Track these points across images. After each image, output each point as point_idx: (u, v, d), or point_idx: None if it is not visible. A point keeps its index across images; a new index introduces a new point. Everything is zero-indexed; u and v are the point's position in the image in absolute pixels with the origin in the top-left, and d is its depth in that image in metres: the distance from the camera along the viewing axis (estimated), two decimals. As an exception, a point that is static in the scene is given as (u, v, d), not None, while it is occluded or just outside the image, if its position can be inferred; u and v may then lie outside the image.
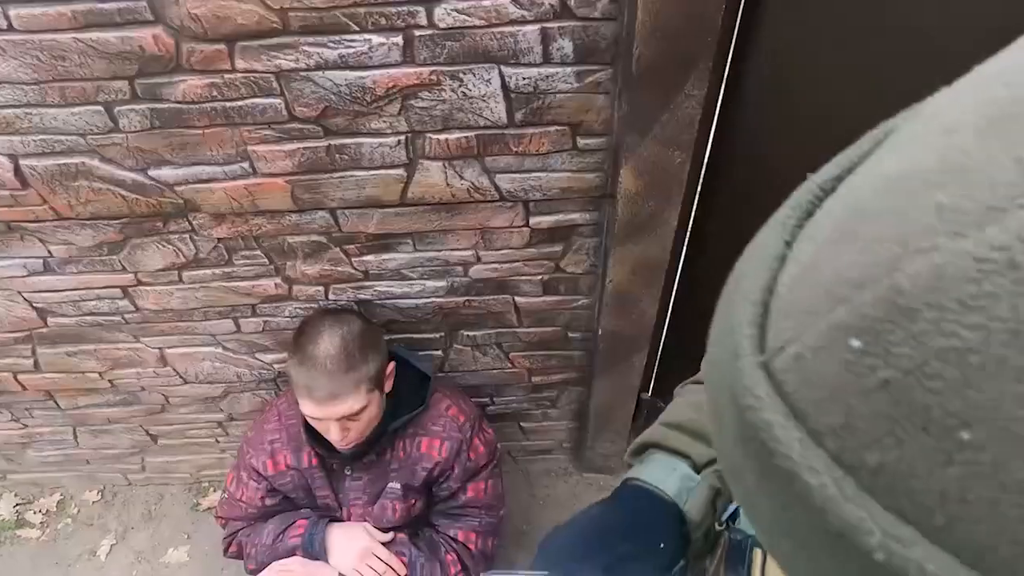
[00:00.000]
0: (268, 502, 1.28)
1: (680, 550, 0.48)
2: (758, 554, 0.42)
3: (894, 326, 0.14)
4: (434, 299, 1.24)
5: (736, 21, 0.90)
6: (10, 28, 0.80)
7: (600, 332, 1.27)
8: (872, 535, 0.15)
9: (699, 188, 1.07)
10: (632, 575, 0.45)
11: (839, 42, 0.92)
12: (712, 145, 1.02)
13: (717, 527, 0.48)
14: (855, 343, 0.15)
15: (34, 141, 0.93)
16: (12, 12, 0.78)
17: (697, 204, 1.12)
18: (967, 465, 0.13)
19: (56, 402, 1.47)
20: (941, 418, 0.14)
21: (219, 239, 1.10)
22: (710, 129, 1.01)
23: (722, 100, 0.98)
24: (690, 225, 1.16)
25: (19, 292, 1.19)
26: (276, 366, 1.38)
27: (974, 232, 0.14)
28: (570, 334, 1.34)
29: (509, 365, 1.41)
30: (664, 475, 0.50)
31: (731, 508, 0.49)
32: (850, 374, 0.15)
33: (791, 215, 0.20)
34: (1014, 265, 0.13)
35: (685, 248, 1.21)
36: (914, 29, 0.88)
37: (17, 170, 0.97)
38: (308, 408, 1.08)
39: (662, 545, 0.46)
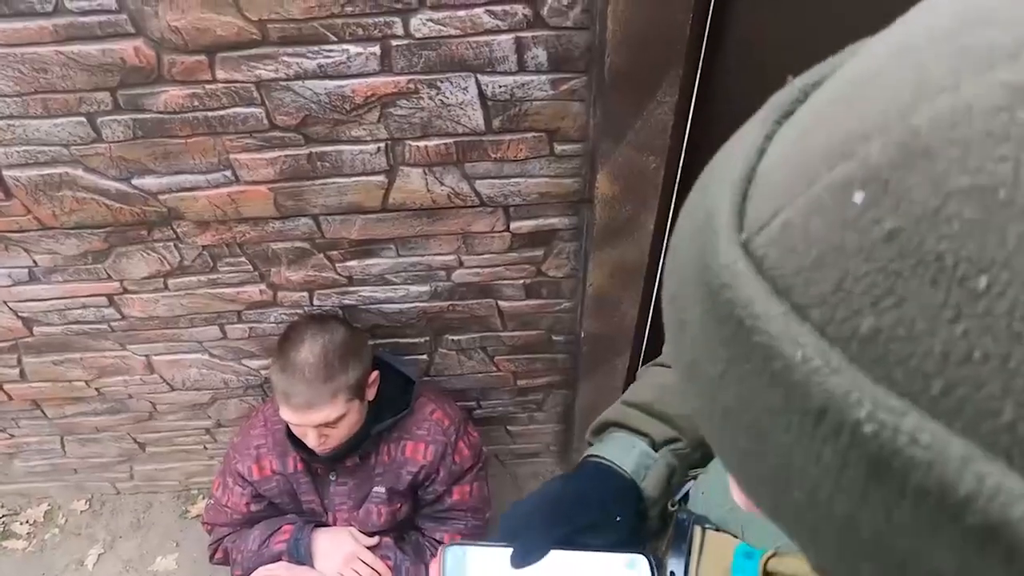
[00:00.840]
0: (254, 508, 1.29)
1: (637, 527, 0.49)
2: (698, 531, 0.43)
3: (907, 171, 0.13)
4: (418, 304, 1.25)
5: (705, 29, 0.92)
6: (-8, 41, 0.81)
7: (583, 335, 1.29)
8: (860, 407, 0.14)
9: (675, 192, 1.09)
10: (587, 547, 0.45)
11: (808, 47, 0.95)
12: (686, 150, 1.05)
13: (670, 508, 0.50)
14: (858, 196, 0.14)
15: (17, 152, 0.94)
16: (-6, 25, 0.80)
17: (674, 208, 1.15)
18: (978, 318, 0.12)
19: (43, 411, 1.48)
20: (954, 266, 0.13)
21: (203, 246, 1.11)
22: (684, 134, 1.03)
23: (695, 106, 1.01)
24: (668, 229, 1.18)
25: (4, 302, 1.20)
26: (263, 372, 1.39)
27: (1007, 63, 0.13)
28: (554, 337, 1.36)
29: (494, 369, 1.43)
30: (623, 453, 0.52)
31: (683, 490, 0.51)
32: (849, 231, 0.14)
33: (770, 114, 0.19)
34: None
35: (664, 251, 1.23)
36: (882, 27, 0.91)
37: (1, 181, 0.98)
38: (286, 414, 1.09)
39: (618, 519, 0.48)
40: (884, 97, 0.15)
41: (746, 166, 0.18)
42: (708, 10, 0.91)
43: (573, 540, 0.45)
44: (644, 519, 0.50)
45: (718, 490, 0.45)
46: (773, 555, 0.38)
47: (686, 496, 0.51)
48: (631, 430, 0.53)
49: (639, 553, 0.45)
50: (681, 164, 1.07)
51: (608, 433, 0.55)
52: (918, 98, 0.14)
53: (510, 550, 0.44)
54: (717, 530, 0.44)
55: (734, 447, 0.18)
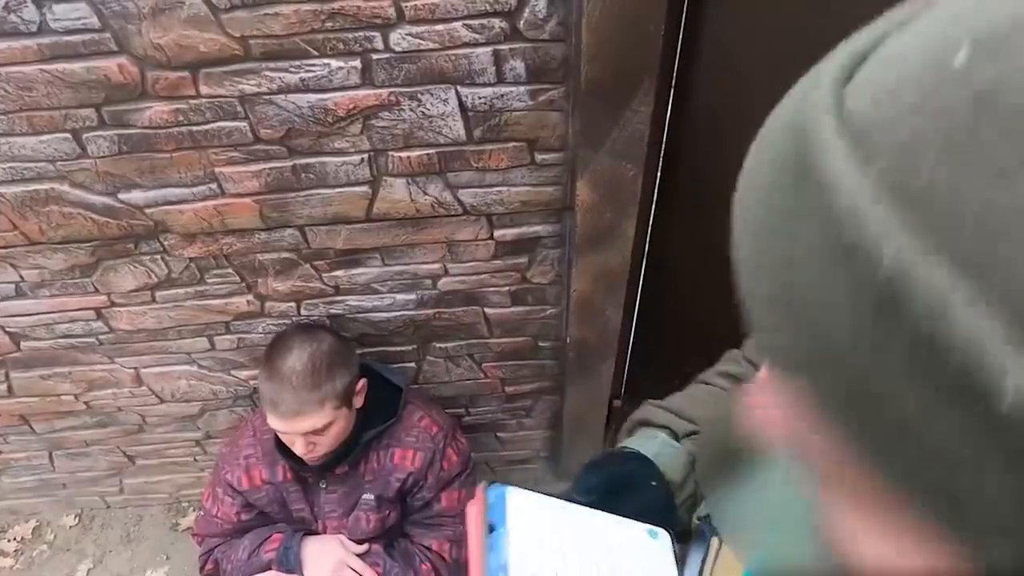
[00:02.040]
0: (244, 517, 1.29)
1: (668, 505, 0.50)
2: (715, 541, 0.44)
3: (1014, 40, 0.14)
4: (405, 312, 1.27)
5: (679, 38, 0.95)
6: (-23, 61, 0.82)
7: (568, 341, 1.30)
8: (889, 242, 0.15)
9: (654, 199, 1.11)
10: (617, 511, 0.47)
11: (780, 52, 0.98)
12: (664, 158, 1.07)
13: (696, 520, 0.51)
14: (961, 55, 0.15)
15: (3, 169, 0.95)
16: (-21, 45, 0.81)
17: (654, 215, 1.17)
18: None
19: (31, 426, 1.48)
20: None
21: (191, 259, 1.12)
22: (661, 142, 1.05)
23: (670, 115, 1.03)
24: (648, 235, 1.20)
25: (-8, 317, 1.20)
26: (251, 383, 1.40)
27: None
28: (540, 344, 1.37)
29: (482, 375, 1.44)
30: (644, 441, 0.54)
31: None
32: (941, 87, 0.15)
33: (834, 71, 0.19)
34: None
35: (646, 258, 1.25)
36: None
37: (-12, 196, 0.99)
38: (273, 422, 1.10)
39: (653, 483, 0.49)
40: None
41: (851, 58, 0.19)
42: (681, 20, 0.93)
43: (608, 495, 0.47)
44: (672, 504, 0.51)
45: None
46: None
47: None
48: (655, 426, 0.56)
49: (661, 527, 0.47)
50: (659, 171, 1.09)
51: (636, 430, 0.57)
52: None
53: (546, 497, 0.45)
54: None
55: (760, 293, 0.19)
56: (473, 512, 0.44)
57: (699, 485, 0.52)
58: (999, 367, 0.13)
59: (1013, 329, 0.13)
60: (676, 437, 0.54)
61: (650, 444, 0.53)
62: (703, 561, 0.44)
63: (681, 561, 0.46)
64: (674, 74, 0.98)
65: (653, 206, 1.12)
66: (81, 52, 0.82)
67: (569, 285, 1.20)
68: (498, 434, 1.63)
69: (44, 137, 0.91)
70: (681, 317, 1.33)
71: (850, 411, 0.17)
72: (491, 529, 0.42)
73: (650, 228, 1.19)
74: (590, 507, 0.46)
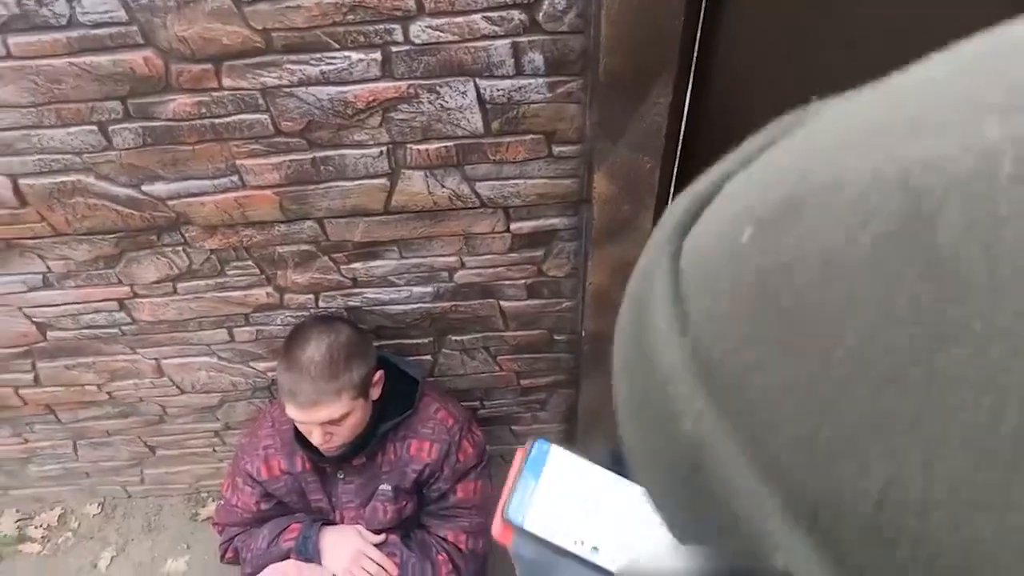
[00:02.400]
0: (263, 507, 1.31)
1: None
2: None
3: (789, 220, 0.14)
4: (421, 304, 1.28)
5: (698, 31, 0.95)
6: (8, 55, 0.84)
7: (584, 334, 1.30)
8: (690, 411, 0.15)
9: (671, 192, 1.11)
10: None
11: (797, 49, 0.97)
12: (682, 150, 1.07)
13: None
14: (747, 232, 0.15)
15: (32, 161, 0.97)
16: (11, 41, 0.83)
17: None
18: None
19: (56, 416, 1.50)
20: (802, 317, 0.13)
21: (211, 250, 1.14)
22: (679, 135, 1.05)
23: (689, 107, 1.03)
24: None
25: (19, 308, 1.23)
26: (270, 374, 1.42)
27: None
28: (555, 337, 1.38)
29: (497, 369, 1.45)
30: None
31: None
32: (731, 261, 0.15)
33: (678, 215, 0.19)
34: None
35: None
36: (869, 33, 0.93)
37: (16, 189, 1.01)
38: (292, 412, 1.11)
39: None
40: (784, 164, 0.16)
41: (693, 202, 0.19)
42: (700, 13, 0.93)
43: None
44: None
45: None
46: None
47: None
48: None
49: None
50: (677, 164, 1.09)
51: None
52: (806, 168, 0.15)
53: (588, 463, 0.46)
54: None
55: (623, 430, 0.20)
56: (519, 456, 0.45)
57: None
58: (772, 543, 0.14)
59: (787, 508, 0.14)
60: None
61: None
62: None
63: None
64: (692, 66, 0.98)
65: (670, 199, 1.12)
66: (108, 45, 0.84)
67: (585, 278, 1.20)
68: (512, 427, 1.64)
69: (72, 129, 0.93)
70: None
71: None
72: (525, 476, 0.44)
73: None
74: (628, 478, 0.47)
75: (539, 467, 0.45)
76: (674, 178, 1.11)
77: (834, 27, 0.93)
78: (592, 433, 1.58)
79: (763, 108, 1.16)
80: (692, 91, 1.01)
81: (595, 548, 0.43)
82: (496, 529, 0.43)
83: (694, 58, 0.98)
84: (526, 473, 0.45)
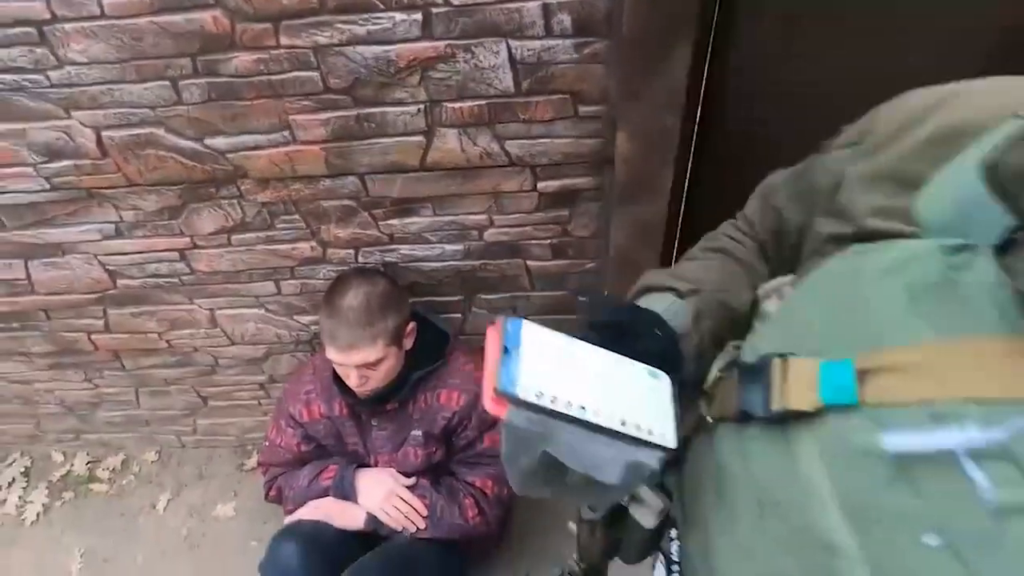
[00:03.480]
0: (304, 448, 1.42)
1: (674, 353, 0.53)
2: (777, 361, 0.45)
3: None
4: (452, 262, 1.36)
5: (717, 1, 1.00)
6: (102, 15, 0.96)
7: (607, 293, 1.36)
8: None
9: (692, 151, 1.16)
10: (621, 351, 0.49)
11: (820, 8, 1.02)
12: (702, 110, 1.12)
13: (733, 348, 0.55)
14: None
15: (113, 114, 1.10)
16: (105, 0, 0.95)
17: (692, 167, 1.22)
18: None
19: (122, 362, 1.65)
20: None
21: (263, 203, 1.25)
22: (700, 95, 1.10)
23: (709, 68, 1.08)
24: (686, 188, 1.25)
25: (94, 255, 1.36)
26: (312, 328, 1.52)
27: None
28: (580, 298, 1.44)
29: (524, 329, 1.51)
30: (652, 302, 0.57)
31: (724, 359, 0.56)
32: None
33: None
34: None
35: (683, 211, 1.30)
36: (883, 14, 0.97)
37: (99, 141, 1.14)
38: (331, 354, 1.21)
39: (657, 331, 0.52)
40: None
41: None
42: (718, -25, 0.98)
43: (620, 340, 0.49)
44: (679, 354, 0.53)
45: (792, 322, 0.49)
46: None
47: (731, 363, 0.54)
48: (658, 289, 0.59)
49: (663, 372, 0.49)
50: (697, 125, 1.14)
51: (641, 297, 0.60)
52: None
53: (558, 333, 0.48)
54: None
55: None
56: (492, 335, 0.46)
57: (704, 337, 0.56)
58: None
59: None
60: (680, 296, 0.57)
61: (660, 302, 0.56)
62: (767, 386, 0.46)
63: (680, 402, 0.49)
64: (713, 27, 1.03)
65: (690, 158, 1.17)
66: (184, 5, 0.95)
67: (608, 238, 1.26)
68: (539, 391, 1.70)
69: (148, 84, 1.05)
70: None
71: None
72: (506, 351, 0.45)
73: (688, 182, 1.24)
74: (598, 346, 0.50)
75: (516, 339, 0.46)
76: (695, 139, 1.16)
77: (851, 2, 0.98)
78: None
79: (783, 70, 1.22)
80: (713, 51, 1.07)
81: (583, 407, 0.45)
82: (488, 403, 0.44)
83: (714, 23, 1.03)
84: (507, 348, 0.45)
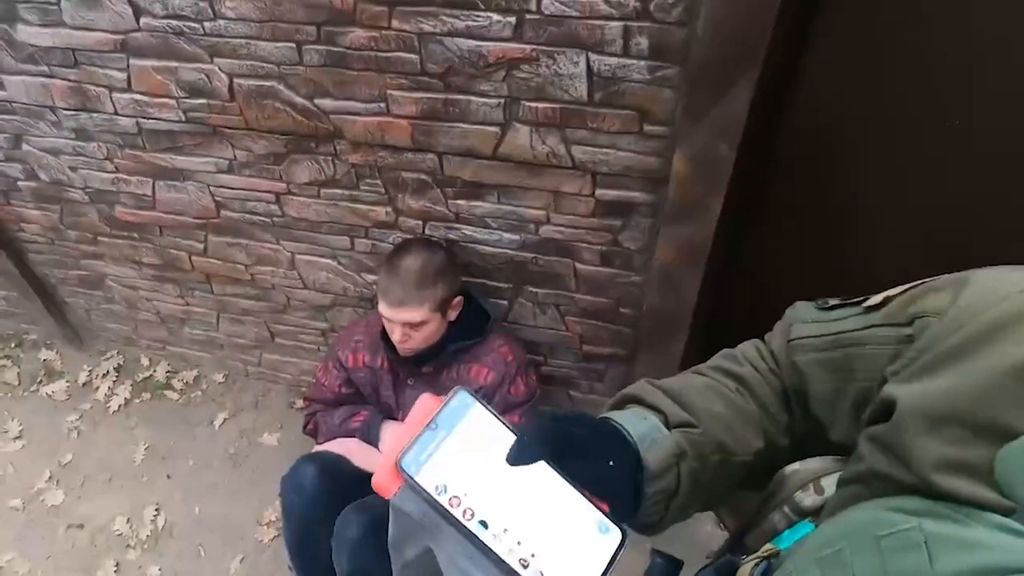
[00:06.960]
0: (344, 390, 1.56)
1: (629, 488, 0.45)
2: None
3: None
4: (508, 251, 1.46)
5: (788, 33, 1.05)
6: (250, -20, 1.15)
7: (645, 308, 1.42)
8: None
9: (744, 182, 1.20)
10: (574, 476, 0.42)
11: (881, 73, 1.04)
12: (758, 143, 1.17)
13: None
14: None
15: (246, 65, 1.29)
16: (254, -32, 1.14)
17: (745, 199, 1.26)
18: None
19: (211, 285, 1.87)
20: None
21: (353, 164, 1.41)
22: (756, 128, 1.15)
23: (771, 108, 1.13)
24: (733, 215, 1.29)
25: (208, 185, 1.58)
26: (374, 287, 1.67)
27: None
28: (621, 309, 1.50)
29: (563, 328, 1.59)
30: (634, 420, 0.48)
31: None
32: None
33: None
34: None
35: (730, 239, 1.34)
36: (954, 66, 0.98)
37: (231, 86, 1.34)
38: (382, 307, 1.34)
39: (611, 463, 0.44)
40: None
41: None
42: (792, 20, 1.03)
43: (563, 457, 0.42)
44: (640, 492, 0.46)
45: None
46: None
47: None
48: (648, 406, 0.51)
49: (617, 526, 0.42)
50: (752, 160, 1.18)
51: (626, 406, 0.53)
52: None
53: (511, 434, 0.42)
54: None
55: None
56: (429, 403, 0.42)
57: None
58: None
59: None
60: (667, 423, 0.49)
61: (639, 424, 0.48)
62: None
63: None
64: (776, 69, 1.08)
65: (742, 189, 1.21)
66: (317, -20, 1.12)
67: (654, 254, 1.32)
68: (570, 392, 1.77)
69: (278, 44, 1.23)
70: (758, 305, 1.39)
71: None
72: (433, 427, 0.41)
73: (738, 211, 1.28)
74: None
75: (452, 423, 0.41)
76: (749, 173, 1.21)
77: (935, 54, 1.00)
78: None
79: (840, 121, 1.27)
80: (775, 95, 1.11)
81: (483, 523, 0.39)
82: (383, 473, 0.39)
83: (781, 58, 1.08)
84: (438, 423, 0.41)
